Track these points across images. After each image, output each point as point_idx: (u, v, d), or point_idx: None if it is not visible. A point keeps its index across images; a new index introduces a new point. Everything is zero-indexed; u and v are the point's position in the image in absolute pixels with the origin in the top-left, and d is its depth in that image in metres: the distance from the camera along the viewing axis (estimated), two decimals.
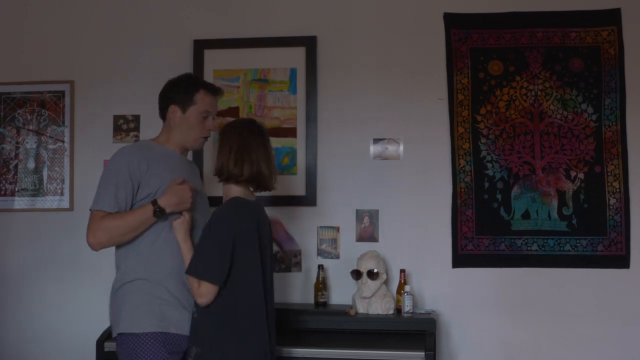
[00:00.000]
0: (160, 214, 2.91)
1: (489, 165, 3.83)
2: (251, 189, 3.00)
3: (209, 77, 3.97)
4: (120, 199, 2.92)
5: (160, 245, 2.97)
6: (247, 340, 2.84)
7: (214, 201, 3.87)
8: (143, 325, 2.90)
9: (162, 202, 2.92)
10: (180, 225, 2.93)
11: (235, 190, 2.95)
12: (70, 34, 4.12)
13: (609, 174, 3.77)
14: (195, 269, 2.81)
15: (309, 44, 3.93)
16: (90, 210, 2.96)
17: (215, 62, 3.99)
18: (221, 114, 3.98)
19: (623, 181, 3.75)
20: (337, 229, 3.89)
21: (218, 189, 3.90)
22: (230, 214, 2.87)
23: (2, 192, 4.11)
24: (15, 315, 4.07)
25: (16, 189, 4.10)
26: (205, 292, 2.81)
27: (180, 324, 2.95)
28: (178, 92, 3.08)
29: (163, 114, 3.12)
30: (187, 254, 2.89)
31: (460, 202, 3.83)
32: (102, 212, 2.91)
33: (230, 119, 3.96)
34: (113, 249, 3.00)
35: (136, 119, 4.03)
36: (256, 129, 2.99)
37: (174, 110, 3.07)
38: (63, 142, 4.09)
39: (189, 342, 2.92)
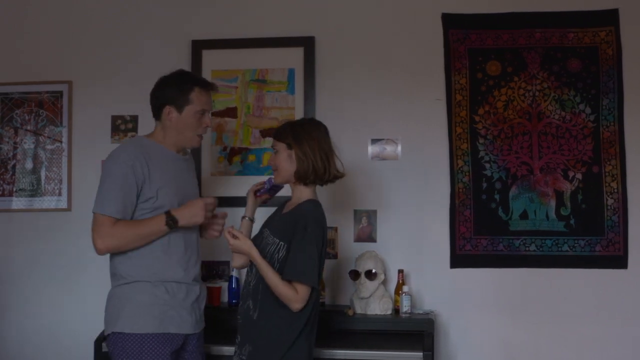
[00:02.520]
0: (172, 224, 2.90)
1: (487, 165, 3.83)
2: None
3: (207, 77, 3.92)
4: (127, 205, 2.90)
5: (161, 246, 2.96)
6: (308, 340, 2.88)
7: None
8: (145, 326, 2.90)
9: (176, 213, 2.92)
10: (242, 244, 2.89)
11: (309, 192, 2.96)
12: (68, 34, 4.12)
13: (607, 174, 3.77)
14: (303, 275, 2.79)
15: (307, 44, 3.93)
16: (94, 212, 2.92)
17: (214, 63, 3.99)
18: (219, 114, 3.98)
19: (621, 181, 3.75)
20: (335, 229, 3.89)
21: (215, 189, 3.92)
22: (321, 216, 2.91)
23: (0, 193, 4.10)
24: (13, 315, 4.07)
25: (14, 189, 4.09)
26: (305, 296, 2.80)
27: (179, 323, 2.97)
28: (172, 92, 3.02)
29: (157, 114, 3.07)
30: (267, 267, 2.83)
31: (459, 202, 3.83)
32: (109, 217, 2.88)
33: (230, 119, 3.96)
34: None
35: (134, 119, 4.03)
36: (325, 128, 3.00)
37: (170, 111, 3.02)
38: (61, 142, 4.09)
39: (238, 339, 2.91)
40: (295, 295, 2.78)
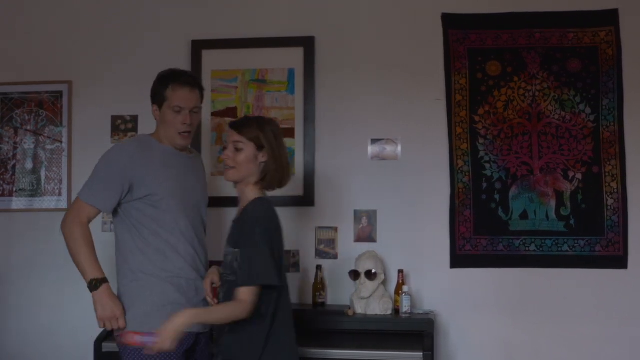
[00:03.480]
0: (90, 287, 2.95)
1: (487, 165, 3.83)
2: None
3: (207, 77, 3.97)
4: (112, 200, 2.97)
5: (171, 244, 2.99)
6: (282, 343, 2.75)
7: (215, 201, 3.88)
8: (156, 326, 2.89)
9: (103, 290, 2.93)
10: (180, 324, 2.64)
11: (257, 191, 2.82)
12: (68, 34, 4.12)
13: (607, 174, 3.77)
14: (249, 279, 2.64)
15: (307, 44, 3.93)
16: (79, 197, 3.00)
17: (213, 63, 3.99)
18: (219, 114, 3.98)
19: (621, 181, 3.75)
20: (335, 230, 3.89)
21: (214, 189, 3.92)
22: (265, 214, 2.74)
23: (0, 193, 4.11)
24: (13, 315, 4.07)
25: (14, 189, 4.10)
26: (249, 297, 2.64)
27: None
28: (155, 90, 3.09)
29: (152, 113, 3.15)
30: (208, 312, 2.75)
31: (458, 202, 3.83)
32: (92, 207, 2.97)
33: (230, 120, 3.96)
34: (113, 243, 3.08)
35: (134, 119, 4.03)
36: (279, 129, 2.89)
37: (154, 109, 3.09)
38: (61, 142, 4.09)
39: (214, 353, 2.83)
40: (237, 306, 2.65)
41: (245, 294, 2.65)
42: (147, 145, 3.05)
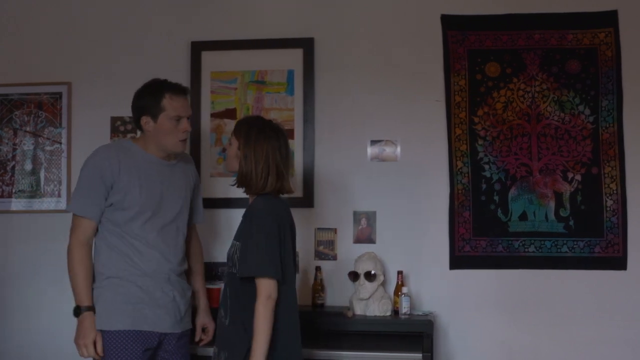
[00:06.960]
0: (75, 313, 3.00)
1: (486, 166, 3.83)
2: None
3: (206, 78, 3.97)
4: (100, 207, 3.02)
5: (135, 247, 3.03)
6: (283, 341, 2.81)
7: (215, 202, 3.88)
8: (116, 324, 2.97)
9: (84, 317, 2.97)
10: None
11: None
12: (67, 35, 4.12)
13: (606, 175, 3.77)
14: (257, 268, 2.74)
15: (307, 45, 3.93)
16: (73, 212, 3.04)
17: (213, 64, 3.99)
18: (218, 115, 3.98)
19: (620, 183, 3.75)
20: (335, 231, 3.89)
21: (213, 190, 3.92)
22: (268, 207, 2.83)
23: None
24: (13, 316, 4.07)
25: (13, 191, 4.09)
26: (268, 289, 2.73)
27: (154, 321, 3.02)
28: (146, 102, 3.08)
29: (138, 125, 3.14)
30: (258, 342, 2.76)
31: (458, 203, 3.83)
32: (87, 220, 3.00)
33: (229, 121, 3.96)
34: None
35: None
36: (283, 138, 2.93)
37: (146, 121, 3.08)
38: (60, 143, 4.09)
39: (215, 350, 2.89)
40: (259, 307, 2.72)
41: (263, 285, 2.73)
42: (127, 153, 3.09)
